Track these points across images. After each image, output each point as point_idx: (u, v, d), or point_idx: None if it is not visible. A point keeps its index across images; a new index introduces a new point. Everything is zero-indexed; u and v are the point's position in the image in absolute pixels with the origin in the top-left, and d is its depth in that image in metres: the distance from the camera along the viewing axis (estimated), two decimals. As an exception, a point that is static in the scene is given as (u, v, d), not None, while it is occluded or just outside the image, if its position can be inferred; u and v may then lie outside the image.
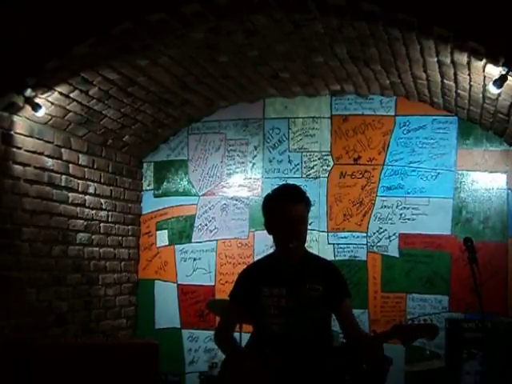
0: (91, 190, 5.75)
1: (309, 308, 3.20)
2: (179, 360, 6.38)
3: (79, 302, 5.58)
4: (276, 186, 3.48)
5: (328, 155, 6.28)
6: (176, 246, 6.55)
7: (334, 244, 6.18)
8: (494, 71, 4.18)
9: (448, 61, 4.57)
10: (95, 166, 5.79)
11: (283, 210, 3.22)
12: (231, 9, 4.19)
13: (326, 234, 6.19)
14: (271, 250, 3.37)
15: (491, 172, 5.90)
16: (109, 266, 6.05)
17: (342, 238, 6.17)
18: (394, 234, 6.05)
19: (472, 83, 4.82)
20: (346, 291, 3.34)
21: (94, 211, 5.80)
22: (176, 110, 6.10)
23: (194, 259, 6.50)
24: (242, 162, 6.48)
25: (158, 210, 6.62)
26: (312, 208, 5.95)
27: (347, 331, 3.32)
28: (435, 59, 4.67)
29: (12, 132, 4.68)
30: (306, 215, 3.27)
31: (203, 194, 6.55)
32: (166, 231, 6.59)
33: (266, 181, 6.34)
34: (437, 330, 3.19)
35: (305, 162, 6.33)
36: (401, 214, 6.06)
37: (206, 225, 6.50)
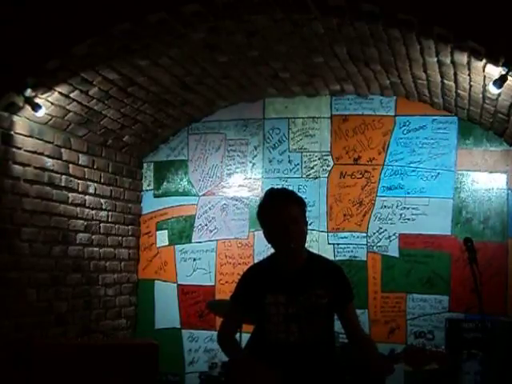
0: (91, 190, 5.75)
1: (314, 315, 3.18)
2: (179, 360, 6.38)
3: (79, 301, 5.58)
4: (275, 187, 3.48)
5: (328, 155, 6.28)
6: (176, 246, 6.55)
7: (333, 244, 6.18)
8: (494, 71, 4.18)
9: (448, 61, 4.57)
10: (95, 166, 5.79)
11: (274, 212, 3.18)
12: (231, 9, 4.19)
13: (325, 233, 6.19)
14: (271, 250, 3.35)
15: (491, 172, 5.90)
16: (109, 265, 6.05)
17: (341, 238, 6.17)
18: (393, 234, 6.05)
19: (472, 83, 4.82)
20: (350, 295, 3.32)
21: (94, 211, 5.80)
22: (176, 110, 6.10)
23: (194, 259, 6.50)
24: (242, 162, 6.48)
25: (158, 210, 6.62)
26: (312, 208, 6.13)
27: (350, 335, 3.31)
28: (435, 59, 4.66)
29: (12, 132, 4.68)
30: (299, 215, 3.21)
31: (203, 194, 6.55)
32: (166, 231, 6.58)
33: (266, 181, 6.34)
34: (447, 359, 3.18)
35: (305, 162, 6.33)
36: (401, 214, 6.05)
37: (206, 225, 6.50)
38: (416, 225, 6.01)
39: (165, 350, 5.14)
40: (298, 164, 6.34)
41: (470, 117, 5.80)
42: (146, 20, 4.22)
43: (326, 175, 6.26)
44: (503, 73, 4.07)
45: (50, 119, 5.00)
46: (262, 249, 5.84)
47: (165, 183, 6.65)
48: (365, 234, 6.13)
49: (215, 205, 6.50)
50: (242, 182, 6.47)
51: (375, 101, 6.20)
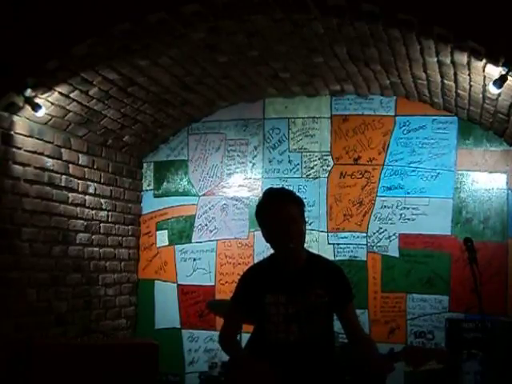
0: (91, 190, 5.75)
1: (314, 315, 3.18)
2: (179, 360, 6.38)
3: (79, 301, 5.58)
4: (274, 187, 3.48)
5: (328, 155, 6.28)
6: (176, 246, 6.55)
7: (333, 244, 6.18)
8: (494, 71, 4.18)
9: (448, 61, 4.57)
10: (95, 166, 5.79)
11: (272, 212, 3.19)
12: (231, 9, 4.19)
13: (325, 233, 6.19)
14: (271, 251, 3.35)
15: (491, 172, 5.90)
16: (109, 266, 6.05)
17: (341, 238, 6.17)
18: (393, 234, 6.05)
19: (472, 83, 4.82)
20: (350, 295, 3.32)
21: (94, 211, 5.80)
22: (176, 110, 6.10)
23: (194, 259, 6.50)
24: (242, 162, 6.48)
25: (158, 210, 6.62)
26: (312, 208, 6.13)
27: (350, 335, 3.31)
28: (435, 59, 4.67)
29: (12, 132, 4.68)
30: (298, 215, 3.20)
31: (203, 194, 6.55)
32: (166, 231, 6.58)
33: (266, 181, 6.34)
34: (447, 356, 3.17)
35: (305, 162, 6.33)
36: (401, 214, 6.05)
37: (206, 225, 6.50)
38: (416, 225, 6.01)
39: (165, 350, 5.14)
40: (298, 164, 6.34)
41: (470, 117, 5.80)
42: (146, 20, 4.22)
43: (326, 175, 6.26)
44: (503, 73, 4.07)
45: (50, 119, 5.00)
46: (262, 249, 5.81)
47: (165, 183, 6.65)
48: (365, 234, 6.12)
49: (215, 205, 6.50)
50: (242, 182, 6.47)
51: (375, 101, 6.20)
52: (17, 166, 4.76)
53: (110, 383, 4.40)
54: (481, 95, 4.97)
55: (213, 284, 6.42)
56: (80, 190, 5.58)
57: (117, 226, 6.19)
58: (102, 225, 5.94)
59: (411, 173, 6.06)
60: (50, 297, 5.17)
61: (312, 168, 6.30)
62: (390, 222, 6.08)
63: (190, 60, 5.09)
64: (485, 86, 4.63)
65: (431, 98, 5.81)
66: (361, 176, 6.17)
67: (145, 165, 6.68)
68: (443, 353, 3.19)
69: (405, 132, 6.12)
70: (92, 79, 4.82)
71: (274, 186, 3.51)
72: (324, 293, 3.20)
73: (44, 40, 4.30)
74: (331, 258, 5.95)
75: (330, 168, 6.26)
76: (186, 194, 6.59)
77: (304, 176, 6.31)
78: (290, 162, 6.36)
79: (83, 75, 4.71)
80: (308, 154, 6.33)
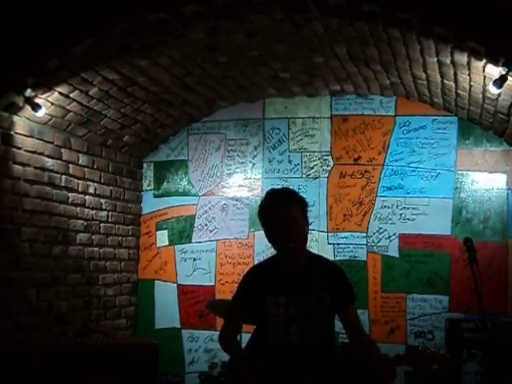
0: (91, 190, 5.75)
1: (314, 316, 3.17)
2: (179, 360, 6.38)
3: (79, 301, 5.58)
4: (275, 187, 3.48)
5: (328, 155, 6.28)
6: (176, 246, 6.55)
7: (333, 244, 6.18)
8: (494, 71, 4.18)
9: (448, 61, 4.57)
10: (95, 166, 5.79)
11: (273, 213, 3.18)
12: (231, 9, 4.20)
13: (325, 234, 6.19)
14: (271, 250, 3.35)
15: (491, 172, 5.90)
16: (109, 266, 6.05)
17: (341, 238, 6.17)
18: (394, 234, 6.05)
19: (472, 83, 4.82)
20: (352, 296, 3.31)
21: (94, 211, 5.80)
22: (176, 110, 6.10)
23: (194, 259, 6.50)
24: (242, 162, 6.48)
25: (158, 210, 6.62)
26: (312, 208, 6.13)
27: (351, 335, 3.30)
28: (435, 59, 4.67)
29: (12, 132, 4.68)
30: (299, 216, 3.19)
31: (203, 194, 6.55)
32: (166, 231, 6.58)
33: (266, 181, 6.34)
34: (449, 361, 3.18)
35: (305, 162, 6.33)
36: (401, 214, 6.05)
37: (206, 225, 6.50)
38: (416, 225, 6.01)
39: (165, 349, 5.14)
40: (298, 164, 6.34)
41: (470, 117, 5.80)
42: (146, 20, 4.22)
43: (326, 175, 6.26)
44: (503, 73, 4.07)
45: (50, 119, 5.00)
46: (262, 249, 5.87)
47: (165, 183, 6.65)
48: (365, 234, 6.12)
49: (215, 205, 6.50)
50: (242, 182, 6.47)
51: (375, 101, 6.20)
52: (17, 166, 4.76)
53: (110, 383, 4.40)
54: (481, 95, 4.97)
55: (213, 284, 6.42)
56: (80, 190, 5.58)
57: (117, 226, 6.19)
58: (102, 225, 5.94)
59: (411, 173, 6.06)
60: (50, 297, 5.17)
61: (312, 168, 6.30)
62: (390, 221, 6.08)
63: (190, 60, 5.09)
64: (485, 85, 4.64)
65: (431, 97, 5.81)
66: (361, 176, 6.17)
67: (145, 165, 6.68)
68: (445, 357, 3.18)
69: (405, 132, 6.12)
70: (92, 79, 4.82)
71: (276, 187, 3.50)
72: (325, 294, 3.19)
73: (44, 40, 4.30)
74: (331, 258, 5.95)
75: (330, 168, 6.26)
76: (185, 194, 6.59)
77: (304, 176, 6.31)
78: (290, 161, 6.36)
79: (83, 75, 4.71)
80: (308, 153, 6.33)
